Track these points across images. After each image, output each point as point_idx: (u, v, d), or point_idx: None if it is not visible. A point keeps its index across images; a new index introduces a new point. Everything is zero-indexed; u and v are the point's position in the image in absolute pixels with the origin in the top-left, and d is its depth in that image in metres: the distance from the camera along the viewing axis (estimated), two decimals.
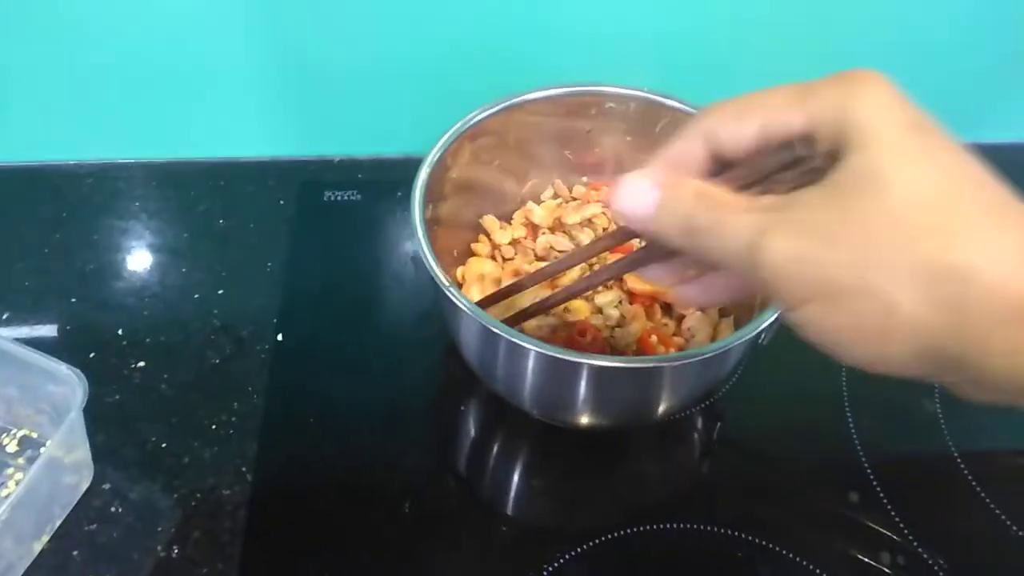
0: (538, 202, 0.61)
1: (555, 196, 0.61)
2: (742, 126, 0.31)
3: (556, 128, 0.57)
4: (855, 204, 0.27)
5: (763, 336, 0.46)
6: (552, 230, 0.59)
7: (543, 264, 0.56)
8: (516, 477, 0.53)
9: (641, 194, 0.32)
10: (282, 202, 0.68)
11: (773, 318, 0.45)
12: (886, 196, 0.26)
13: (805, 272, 0.27)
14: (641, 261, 0.39)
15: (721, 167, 0.33)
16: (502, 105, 0.54)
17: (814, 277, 0.27)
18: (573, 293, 0.47)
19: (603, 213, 0.58)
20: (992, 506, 0.51)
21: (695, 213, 0.30)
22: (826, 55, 0.62)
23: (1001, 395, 0.27)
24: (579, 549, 0.48)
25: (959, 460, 0.53)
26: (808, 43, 0.66)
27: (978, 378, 0.27)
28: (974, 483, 0.52)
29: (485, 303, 0.50)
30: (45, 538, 0.47)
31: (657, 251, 0.37)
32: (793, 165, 0.31)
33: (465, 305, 0.45)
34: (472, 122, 0.53)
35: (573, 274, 0.54)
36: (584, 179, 0.61)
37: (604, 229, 0.58)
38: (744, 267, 0.29)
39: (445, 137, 0.52)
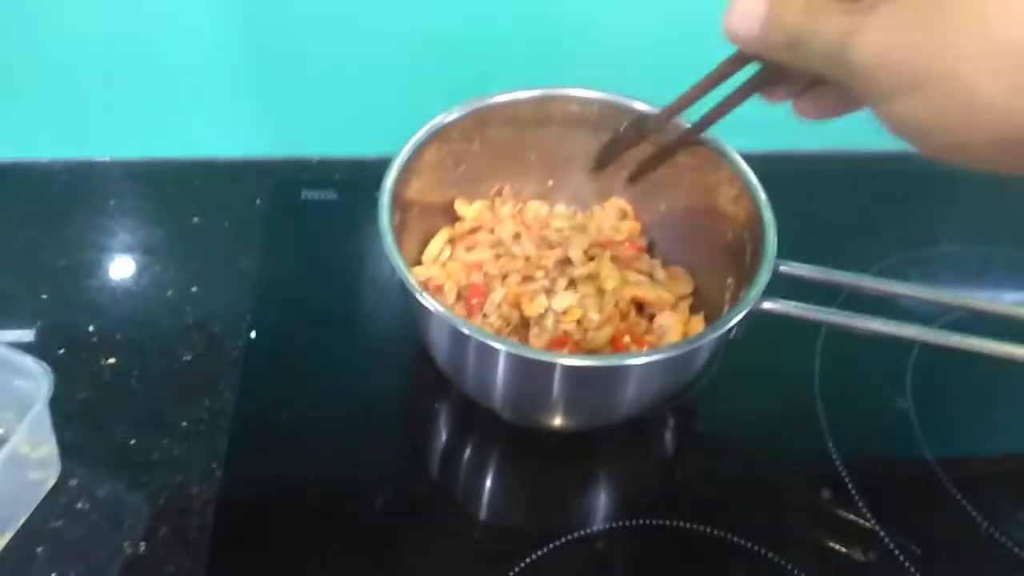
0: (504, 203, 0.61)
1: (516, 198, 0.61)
2: None
3: (521, 131, 0.57)
4: None
5: (734, 331, 0.46)
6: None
7: None
8: (488, 476, 0.53)
9: (750, 13, 0.34)
10: (258, 201, 0.67)
11: (743, 314, 0.45)
12: None
13: (892, 63, 0.29)
14: (755, 86, 0.41)
15: None
16: (466, 110, 0.54)
17: (901, 67, 0.29)
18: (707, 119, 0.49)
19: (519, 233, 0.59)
20: (962, 501, 0.51)
21: (799, 21, 0.32)
22: None
23: None
24: (550, 546, 0.48)
25: (930, 456, 0.54)
26: None
27: None
28: (944, 479, 0.52)
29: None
30: (9, 534, 0.47)
31: (768, 76, 0.39)
32: None
33: (433, 307, 0.44)
34: (437, 127, 0.53)
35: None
36: (550, 182, 0.61)
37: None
38: (839, 67, 0.31)
39: (411, 143, 0.52)
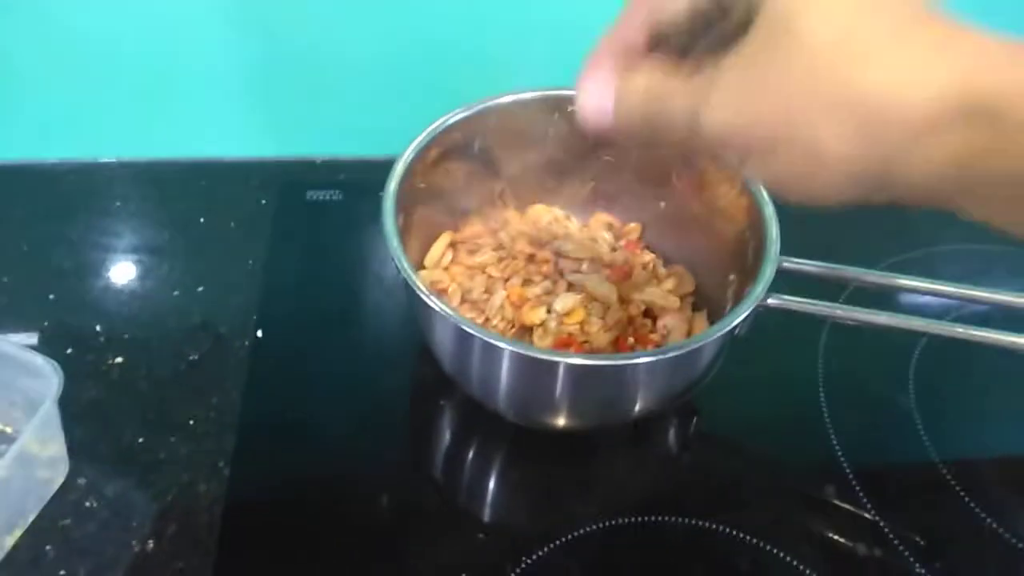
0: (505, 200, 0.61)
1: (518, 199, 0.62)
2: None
3: (523, 132, 0.57)
4: (772, 54, 0.29)
5: (738, 329, 0.47)
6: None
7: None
8: (492, 475, 0.54)
9: (600, 103, 0.34)
10: (264, 202, 0.68)
11: (746, 313, 0.45)
12: (797, 39, 0.28)
13: (738, 133, 0.30)
14: None
15: (657, 40, 0.34)
16: (468, 112, 0.54)
17: (747, 136, 0.30)
18: None
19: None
20: (965, 497, 0.52)
21: (646, 105, 0.33)
22: None
23: (920, 203, 0.29)
24: (555, 544, 0.48)
25: (933, 453, 0.54)
26: None
27: (899, 194, 0.29)
28: (947, 475, 0.53)
29: None
30: (18, 532, 0.47)
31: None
32: (720, 21, 0.32)
33: (438, 307, 0.45)
34: (440, 128, 0.53)
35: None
36: (551, 183, 0.61)
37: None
38: (697, 139, 0.31)
39: (414, 144, 0.52)
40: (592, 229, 0.61)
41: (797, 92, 0.28)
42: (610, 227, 0.61)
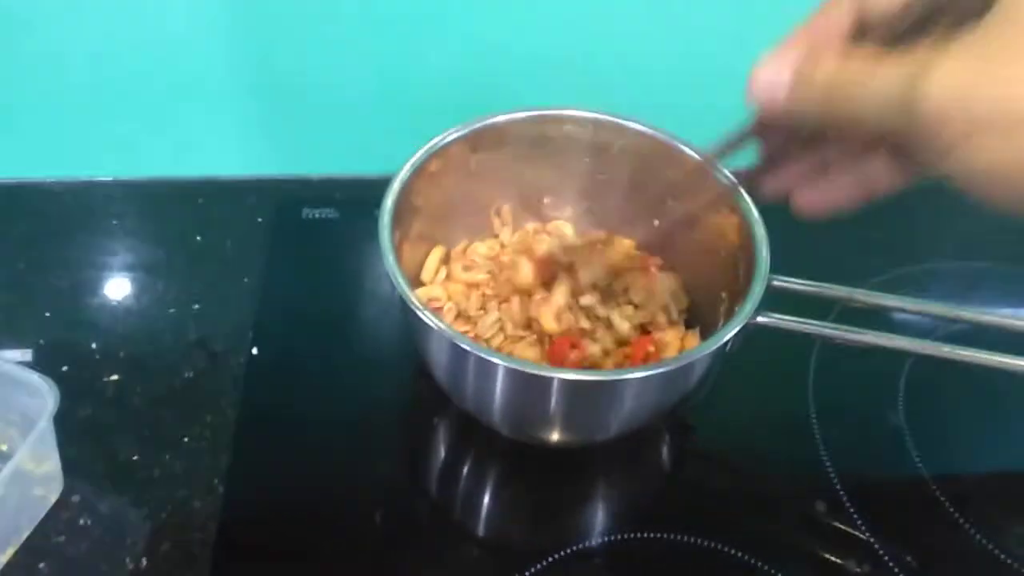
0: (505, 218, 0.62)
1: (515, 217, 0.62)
2: None
3: (518, 151, 0.58)
4: (1019, 33, 0.26)
5: (729, 346, 0.47)
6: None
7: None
8: (486, 491, 0.54)
9: (775, 78, 0.31)
10: (260, 220, 0.68)
11: (736, 330, 0.46)
12: None
13: (972, 101, 0.26)
14: (759, 171, 0.39)
15: (861, 32, 0.32)
16: (464, 130, 0.55)
17: (981, 106, 0.26)
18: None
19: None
20: (955, 514, 0.52)
21: (841, 75, 0.30)
22: None
23: None
24: (548, 560, 0.49)
25: (923, 470, 0.54)
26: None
27: None
28: (938, 492, 0.53)
29: None
30: (11, 550, 0.47)
31: (770, 161, 0.37)
32: (938, 17, 0.30)
33: (433, 323, 0.45)
34: (436, 146, 0.54)
35: None
36: (546, 200, 0.62)
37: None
38: (899, 112, 0.28)
39: (410, 162, 0.53)
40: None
41: None
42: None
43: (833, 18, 0.32)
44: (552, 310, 0.54)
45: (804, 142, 0.35)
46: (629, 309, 0.56)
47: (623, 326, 0.55)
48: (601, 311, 0.55)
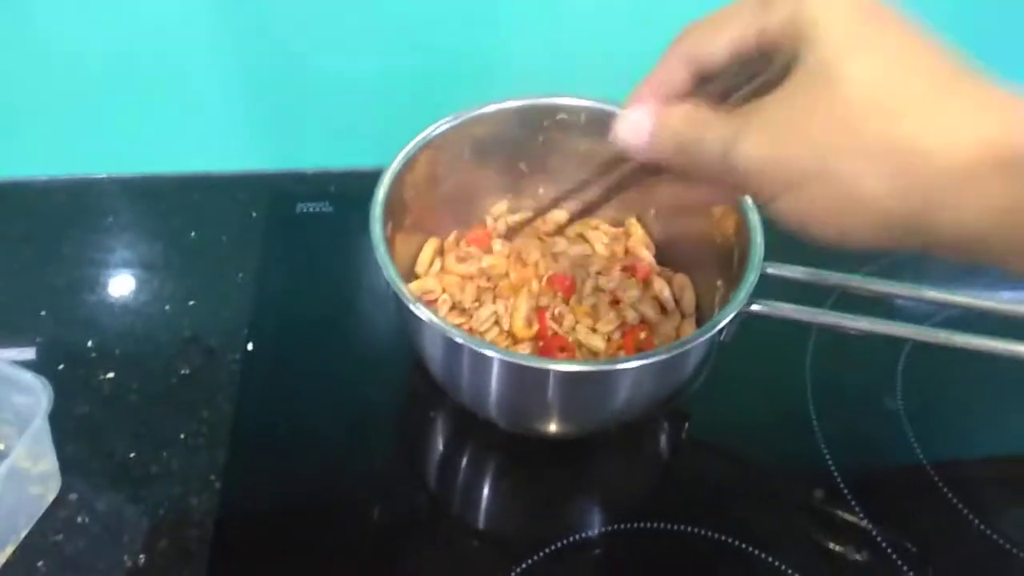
0: (495, 215, 0.62)
1: (510, 211, 0.62)
2: (716, 40, 0.33)
3: (510, 140, 0.58)
4: (812, 98, 0.30)
5: (724, 334, 0.47)
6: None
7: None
8: (483, 483, 0.54)
9: (637, 126, 0.35)
10: (254, 215, 0.68)
11: (730, 318, 0.45)
12: (838, 86, 0.29)
13: (773, 167, 0.30)
14: (630, 182, 0.42)
15: (700, 82, 0.35)
16: (455, 121, 0.55)
17: (781, 170, 0.30)
18: (558, 201, 0.51)
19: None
20: (953, 500, 0.52)
21: (683, 132, 0.34)
22: None
23: (954, 253, 0.30)
24: (547, 550, 0.49)
25: (920, 455, 0.54)
26: None
27: (932, 241, 0.30)
28: (935, 477, 0.53)
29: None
30: (10, 548, 0.47)
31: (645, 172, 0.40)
32: (763, 71, 0.33)
33: (426, 317, 0.45)
34: (428, 137, 0.54)
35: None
36: (540, 190, 0.61)
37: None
38: (724, 172, 0.32)
39: (402, 154, 0.53)
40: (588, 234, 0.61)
41: (836, 132, 0.29)
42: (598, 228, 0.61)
43: (671, 72, 0.35)
44: (521, 315, 0.54)
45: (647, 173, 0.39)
46: (612, 314, 0.56)
47: (595, 342, 0.54)
48: (571, 331, 0.55)
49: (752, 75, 0.33)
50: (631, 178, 0.41)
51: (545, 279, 0.57)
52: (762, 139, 0.30)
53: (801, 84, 0.30)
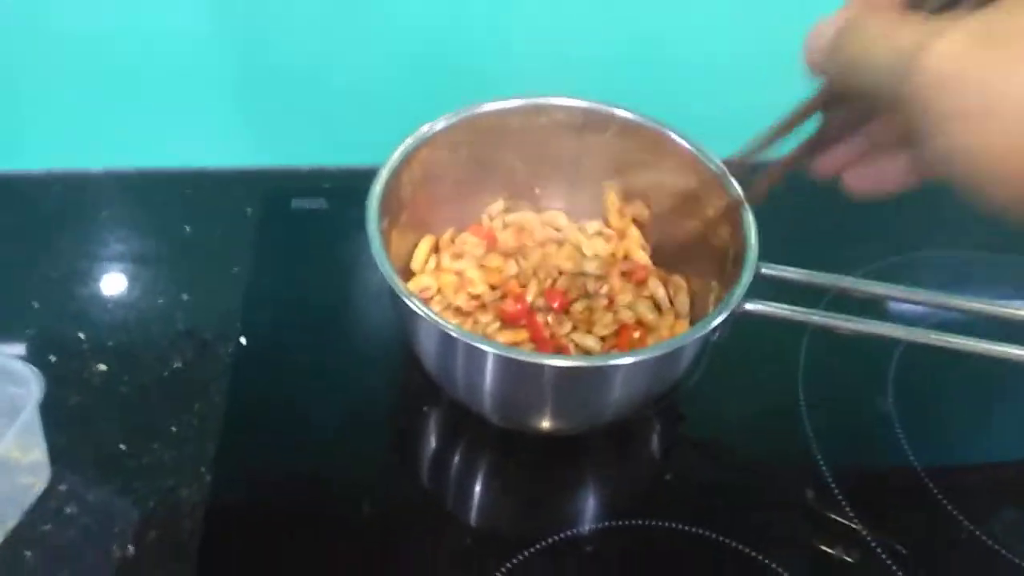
0: (491, 215, 0.62)
1: (507, 210, 0.62)
2: None
3: (507, 140, 0.58)
4: None
5: (717, 333, 0.47)
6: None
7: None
8: (476, 479, 0.54)
9: (825, 27, 0.31)
10: (249, 210, 0.68)
11: (723, 317, 0.46)
12: None
13: (969, 77, 0.25)
14: (814, 146, 0.38)
15: (913, 5, 0.31)
16: (452, 119, 0.55)
17: (978, 83, 0.25)
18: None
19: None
20: (943, 500, 0.52)
21: (873, 24, 0.29)
22: (770, 59, 0.64)
23: None
24: (538, 546, 0.49)
25: (911, 455, 0.54)
26: (754, 47, 0.66)
27: None
28: (926, 479, 0.53)
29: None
30: None
31: (828, 134, 0.37)
32: None
33: (421, 311, 0.45)
34: (425, 135, 0.54)
35: None
36: (537, 190, 0.62)
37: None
38: (904, 76, 0.27)
39: (398, 151, 0.53)
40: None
41: None
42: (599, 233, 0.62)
43: None
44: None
45: (856, 120, 0.36)
46: (607, 318, 0.56)
47: (589, 342, 0.54)
48: (566, 335, 0.55)
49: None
50: (813, 144, 0.38)
51: (542, 288, 0.57)
52: (964, 41, 0.25)
53: (1016, 3, 0.25)
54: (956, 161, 0.26)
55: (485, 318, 0.55)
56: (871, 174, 0.36)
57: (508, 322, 0.55)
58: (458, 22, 0.65)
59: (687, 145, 0.54)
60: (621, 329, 0.54)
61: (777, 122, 0.41)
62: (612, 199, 0.61)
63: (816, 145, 0.38)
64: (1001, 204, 0.26)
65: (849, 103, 0.35)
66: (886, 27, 0.28)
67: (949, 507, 0.52)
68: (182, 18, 0.62)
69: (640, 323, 0.56)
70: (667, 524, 0.50)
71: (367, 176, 0.51)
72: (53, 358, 0.56)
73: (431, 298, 0.56)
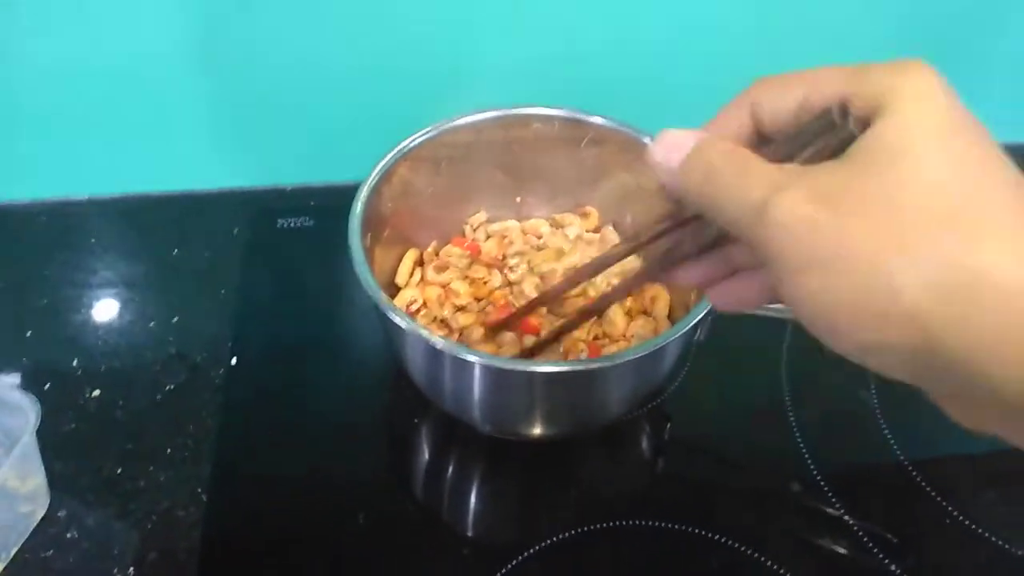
0: (475, 225, 0.63)
1: (489, 220, 0.63)
2: (786, 94, 0.30)
3: (486, 151, 0.59)
4: (879, 174, 0.25)
5: (699, 332, 0.48)
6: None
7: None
8: (469, 487, 0.54)
9: (676, 144, 0.31)
10: (235, 231, 0.69)
11: (703, 313, 0.46)
12: (914, 173, 0.25)
13: (814, 234, 0.26)
14: (668, 262, 0.37)
15: (760, 140, 0.32)
16: (431, 133, 0.56)
17: (822, 241, 0.25)
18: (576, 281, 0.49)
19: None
20: (929, 490, 0.53)
21: (722, 163, 0.29)
22: (746, 64, 0.65)
23: (1002, 409, 0.25)
24: (532, 550, 0.49)
25: (895, 447, 0.55)
26: (728, 55, 0.67)
27: (974, 390, 0.25)
28: (911, 468, 0.54)
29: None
30: (0, 566, 0.48)
31: (683, 248, 0.36)
32: (826, 134, 0.29)
33: (405, 324, 0.46)
34: (404, 149, 0.55)
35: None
36: (518, 199, 0.63)
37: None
38: (753, 226, 0.27)
39: (378, 167, 0.54)
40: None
41: (899, 221, 0.25)
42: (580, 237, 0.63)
43: (733, 119, 0.32)
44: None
45: (711, 240, 0.35)
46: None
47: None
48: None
49: (811, 142, 0.29)
50: (669, 260, 0.37)
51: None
52: (808, 196, 0.26)
53: (872, 153, 0.26)
54: (801, 309, 0.27)
55: (466, 319, 0.56)
56: (733, 291, 0.35)
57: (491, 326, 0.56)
58: (437, 37, 0.66)
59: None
60: (591, 344, 0.55)
61: (629, 237, 0.41)
62: (591, 209, 0.62)
63: (671, 261, 0.37)
64: (843, 351, 0.27)
65: (701, 223, 0.35)
66: (738, 172, 0.28)
67: (933, 494, 0.53)
68: (162, 43, 0.63)
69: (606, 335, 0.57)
70: (658, 523, 0.51)
71: (352, 192, 0.52)
72: (48, 385, 0.57)
73: (417, 311, 0.57)
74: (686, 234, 0.36)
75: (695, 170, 0.30)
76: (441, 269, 0.58)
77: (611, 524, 0.51)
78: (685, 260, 0.36)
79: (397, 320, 0.46)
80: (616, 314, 0.56)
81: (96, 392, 0.57)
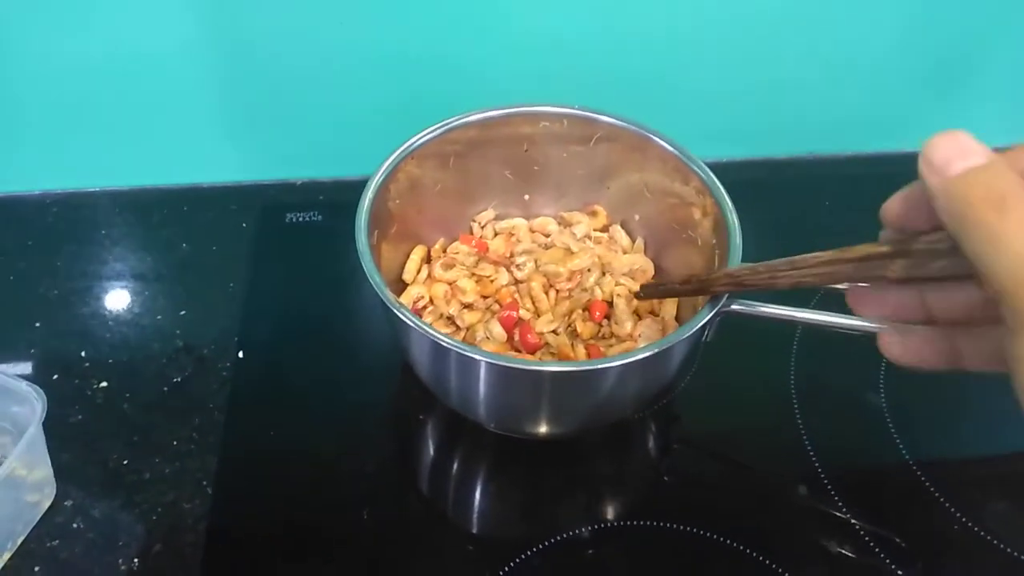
0: (482, 223, 0.63)
1: (497, 218, 0.63)
2: None
3: (495, 148, 0.59)
4: None
5: (706, 333, 0.48)
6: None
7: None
8: (474, 484, 0.55)
9: (967, 150, 0.26)
10: (244, 225, 0.69)
11: (711, 314, 0.46)
12: None
13: None
14: (866, 272, 0.32)
15: None
16: (439, 130, 0.56)
17: None
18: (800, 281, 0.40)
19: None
20: (937, 494, 0.53)
21: (1019, 195, 0.24)
22: (753, 65, 0.64)
23: None
24: (536, 549, 0.49)
25: (903, 449, 0.55)
26: (732, 54, 0.67)
27: None
28: (918, 472, 0.54)
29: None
30: (6, 555, 0.48)
31: (890, 267, 0.30)
32: None
33: (413, 322, 0.46)
34: (412, 147, 0.55)
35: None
36: (526, 197, 0.63)
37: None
38: (992, 264, 0.24)
39: (386, 163, 0.54)
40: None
41: None
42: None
43: None
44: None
45: (929, 273, 0.29)
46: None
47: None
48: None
49: None
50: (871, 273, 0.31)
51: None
52: None
53: None
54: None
55: (472, 317, 0.56)
56: (909, 343, 0.31)
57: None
58: (447, 35, 0.66)
59: (672, 149, 0.55)
60: (590, 346, 0.56)
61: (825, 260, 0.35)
62: (599, 207, 0.62)
63: (869, 272, 0.32)
64: None
65: (915, 260, 0.29)
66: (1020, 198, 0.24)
67: (941, 499, 0.53)
68: (174, 38, 0.63)
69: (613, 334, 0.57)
70: (664, 524, 0.51)
71: (360, 188, 0.52)
72: (56, 376, 0.57)
73: (424, 308, 0.57)
74: (901, 254, 0.30)
75: (978, 186, 0.25)
76: (448, 266, 0.58)
77: (616, 524, 0.51)
78: (882, 280, 0.31)
79: (403, 318, 0.46)
80: (624, 314, 0.56)
81: (103, 384, 0.57)
